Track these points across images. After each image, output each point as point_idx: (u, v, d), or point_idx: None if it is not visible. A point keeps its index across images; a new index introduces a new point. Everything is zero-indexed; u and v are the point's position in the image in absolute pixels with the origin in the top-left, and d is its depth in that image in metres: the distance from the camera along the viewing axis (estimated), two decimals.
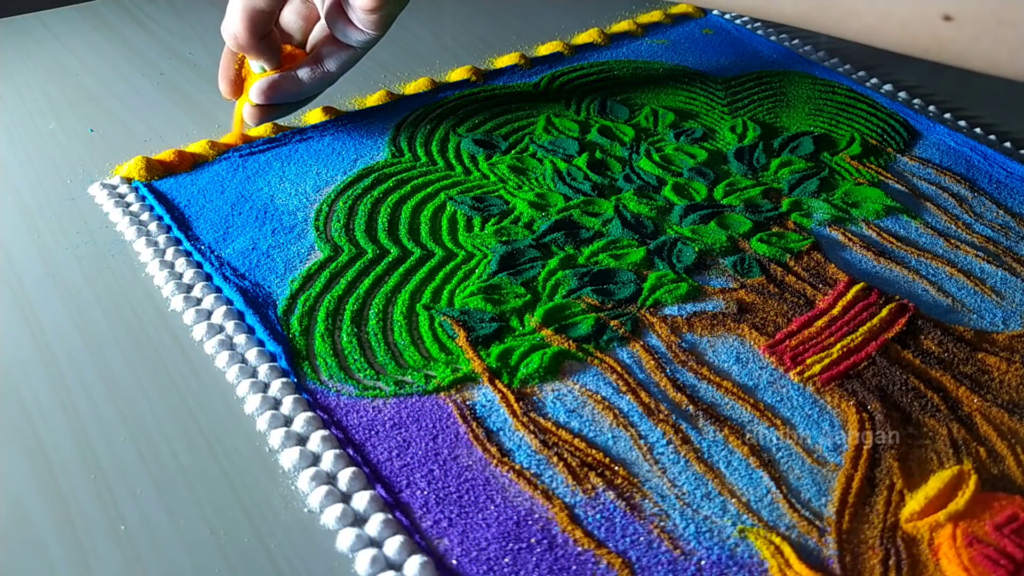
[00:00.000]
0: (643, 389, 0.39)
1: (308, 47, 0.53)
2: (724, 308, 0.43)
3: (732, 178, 0.53)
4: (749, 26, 0.71)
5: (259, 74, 0.51)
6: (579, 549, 0.32)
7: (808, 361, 0.40)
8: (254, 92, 0.50)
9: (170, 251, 0.46)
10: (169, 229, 0.47)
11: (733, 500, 0.34)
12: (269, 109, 0.52)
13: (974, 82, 0.65)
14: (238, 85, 0.52)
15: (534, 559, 0.32)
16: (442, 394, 0.38)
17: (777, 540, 0.33)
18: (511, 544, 0.33)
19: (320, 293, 0.43)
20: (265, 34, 0.49)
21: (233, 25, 0.48)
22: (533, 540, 0.33)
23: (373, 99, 0.59)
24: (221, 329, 0.41)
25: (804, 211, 0.50)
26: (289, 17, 0.53)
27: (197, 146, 0.53)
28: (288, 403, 0.38)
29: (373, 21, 0.48)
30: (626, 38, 0.68)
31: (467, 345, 0.40)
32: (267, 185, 0.51)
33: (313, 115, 0.57)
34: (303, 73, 0.51)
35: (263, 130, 0.55)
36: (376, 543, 0.33)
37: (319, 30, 0.53)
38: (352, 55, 0.51)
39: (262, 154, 0.53)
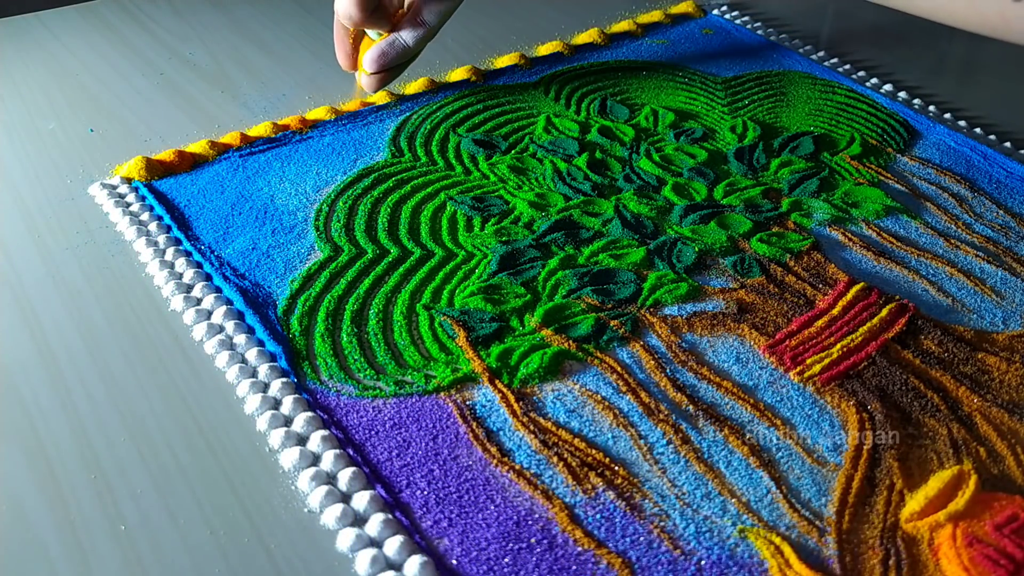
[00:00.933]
0: (643, 389, 0.39)
1: (407, 4, 0.56)
2: (724, 308, 0.43)
3: (732, 178, 0.53)
4: (749, 26, 0.71)
5: (373, 40, 0.56)
6: (579, 549, 0.32)
7: (808, 361, 0.40)
8: (367, 63, 0.55)
9: (170, 251, 0.46)
10: (169, 229, 0.47)
11: (733, 500, 0.34)
12: (383, 75, 0.56)
13: (974, 82, 0.65)
14: (355, 58, 0.57)
15: (534, 559, 0.32)
16: (442, 394, 0.38)
17: (777, 540, 0.33)
18: (511, 544, 0.33)
19: (320, 293, 0.43)
20: (375, 7, 0.53)
21: (346, 6, 0.52)
22: (533, 540, 0.33)
23: (373, 99, 0.59)
24: (221, 329, 0.41)
25: (804, 211, 0.50)
26: None
27: (197, 146, 0.53)
28: (288, 403, 0.38)
29: None
30: (626, 38, 0.68)
31: (467, 345, 0.40)
32: (267, 185, 0.51)
33: (314, 115, 0.57)
34: (405, 33, 0.55)
35: (381, 96, 0.59)
36: (376, 543, 0.33)
37: None
38: (448, 6, 0.55)
39: (262, 154, 0.53)
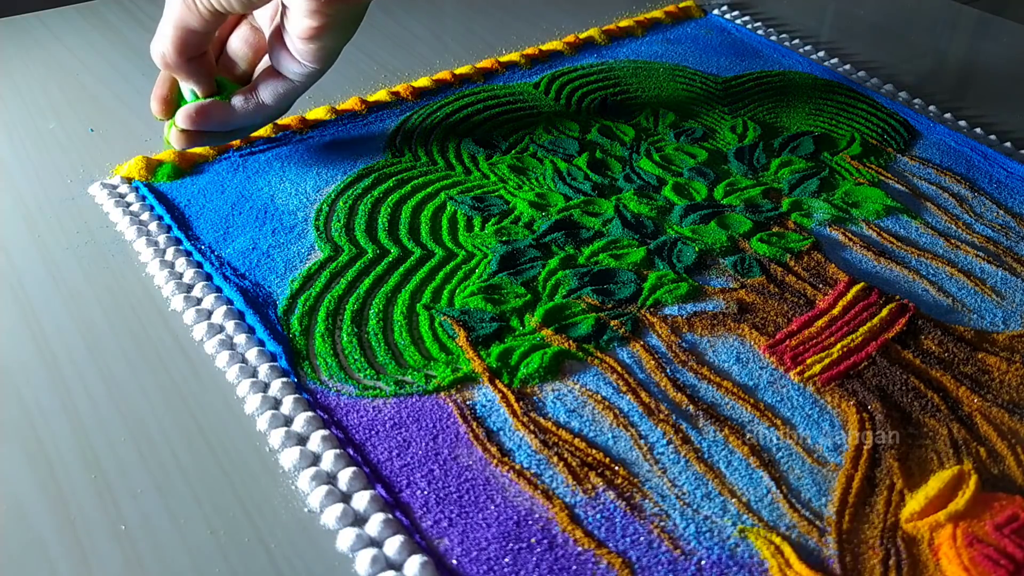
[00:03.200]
0: (643, 389, 0.39)
1: (253, 78, 0.50)
2: (724, 308, 0.43)
3: (732, 178, 0.53)
4: (749, 26, 0.71)
5: (187, 101, 0.49)
6: (579, 549, 0.32)
7: (808, 361, 0.40)
8: (180, 116, 0.48)
9: (170, 251, 0.46)
10: (169, 229, 0.47)
11: (733, 500, 0.34)
12: (197, 135, 0.49)
13: (974, 82, 0.65)
14: (169, 106, 0.49)
15: (534, 559, 0.32)
16: (442, 394, 0.38)
17: (777, 540, 0.33)
18: (511, 544, 0.33)
19: (320, 293, 0.43)
20: (195, 56, 0.46)
21: (162, 44, 0.46)
22: (533, 540, 0.33)
23: (373, 99, 0.59)
24: (221, 329, 0.41)
25: (804, 211, 0.50)
26: (236, 45, 0.50)
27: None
28: (288, 403, 0.38)
29: (311, 52, 0.45)
30: (626, 38, 0.68)
31: (467, 345, 0.40)
32: (267, 185, 0.51)
33: (314, 115, 0.57)
34: (236, 101, 0.48)
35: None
36: (376, 543, 0.33)
37: (265, 61, 0.49)
38: (290, 88, 0.48)
39: (262, 154, 0.53)
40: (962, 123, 0.59)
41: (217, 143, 0.52)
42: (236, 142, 0.54)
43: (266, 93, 0.48)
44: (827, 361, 0.40)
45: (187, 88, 0.48)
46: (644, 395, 0.39)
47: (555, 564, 0.32)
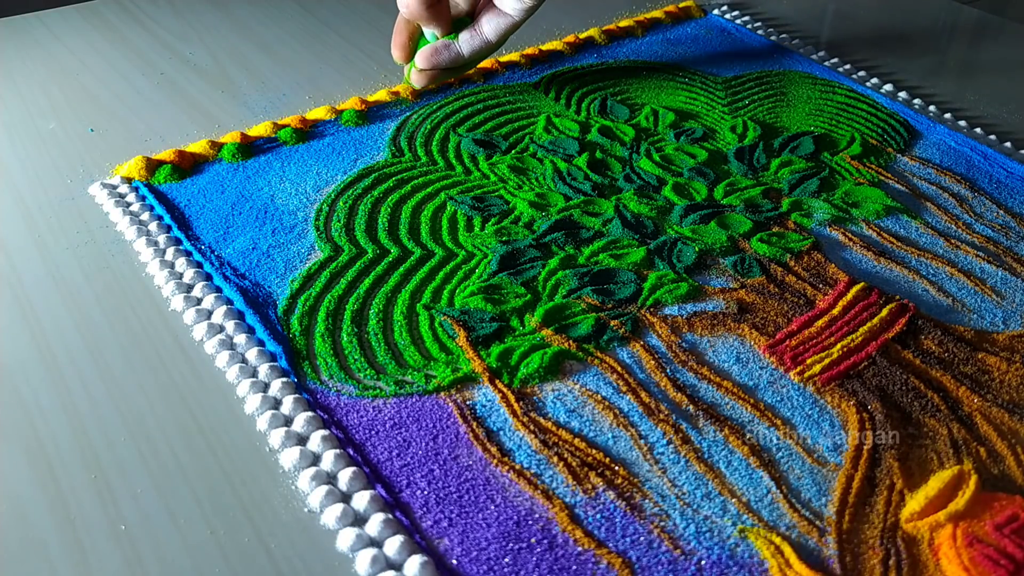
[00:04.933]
0: (643, 389, 0.39)
1: (476, 16, 0.56)
2: (724, 308, 0.43)
3: (732, 178, 0.53)
4: (749, 26, 0.71)
5: (428, 41, 0.55)
6: (579, 549, 0.32)
7: (808, 361, 0.40)
8: (419, 58, 0.55)
9: (170, 251, 0.46)
10: (169, 229, 0.47)
11: (733, 500, 0.34)
12: (432, 73, 0.56)
13: (974, 82, 0.65)
14: (408, 51, 0.56)
15: (534, 559, 0.32)
16: (442, 394, 0.38)
17: (777, 540, 0.33)
18: (511, 544, 0.33)
19: (320, 293, 0.43)
20: (435, 2, 0.53)
21: None
22: (533, 540, 0.33)
23: (373, 99, 0.59)
24: (221, 329, 0.41)
25: (804, 211, 0.50)
26: None
27: (197, 146, 0.53)
28: (288, 403, 0.38)
29: None
30: (626, 38, 0.68)
31: (467, 345, 0.40)
32: (267, 185, 0.51)
33: (314, 115, 0.57)
34: (463, 40, 0.55)
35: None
36: (376, 543, 0.33)
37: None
38: (510, 23, 0.55)
39: (262, 154, 0.53)
40: (962, 123, 0.59)
41: (447, 78, 0.59)
42: (452, 80, 0.60)
43: (489, 29, 0.55)
44: (827, 361, 0.40)
45: (428, 32, 0.55)
46: (644, 395, 0.39)
47: (555, 564, 0.32)
